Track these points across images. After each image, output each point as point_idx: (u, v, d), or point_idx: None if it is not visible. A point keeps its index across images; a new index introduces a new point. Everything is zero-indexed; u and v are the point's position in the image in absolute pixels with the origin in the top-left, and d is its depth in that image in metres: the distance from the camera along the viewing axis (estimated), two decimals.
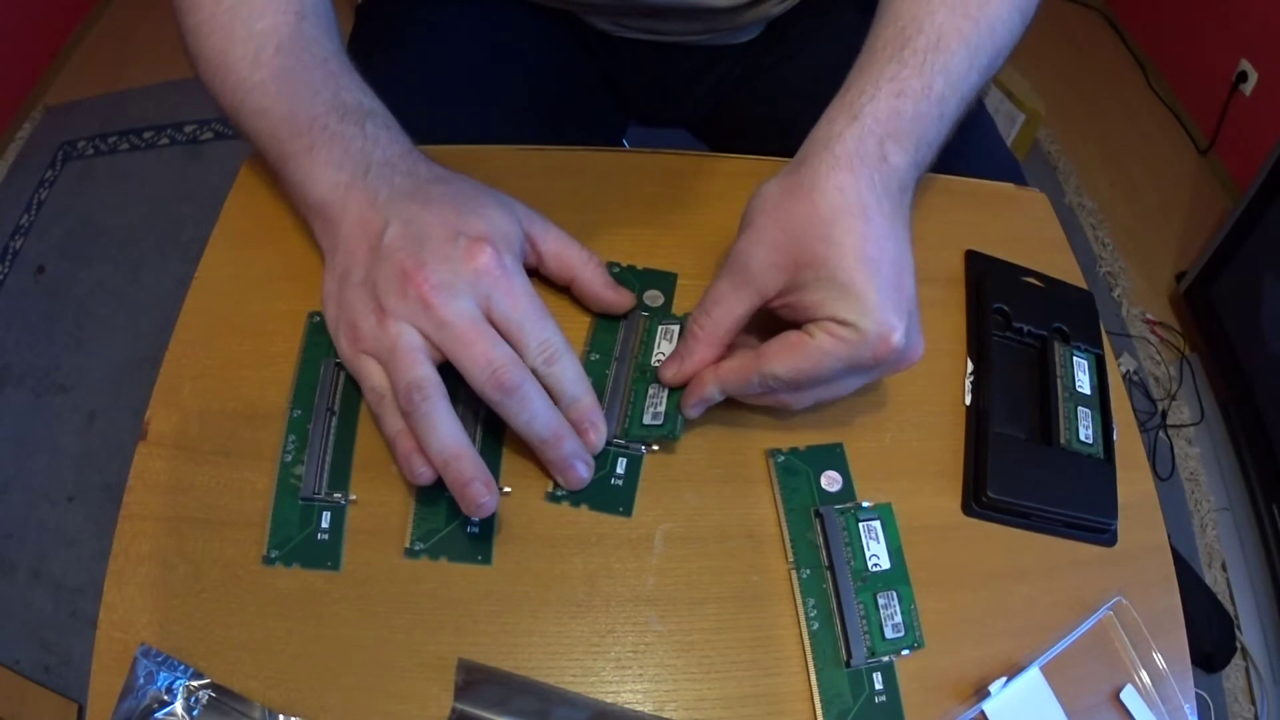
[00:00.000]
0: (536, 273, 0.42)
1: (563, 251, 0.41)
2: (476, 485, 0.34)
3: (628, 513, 0.38)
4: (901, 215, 0.38)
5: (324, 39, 0.42)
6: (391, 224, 0.36)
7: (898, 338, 0.35)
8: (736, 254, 0.38)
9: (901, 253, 0.37)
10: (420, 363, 0.34)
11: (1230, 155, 1.62)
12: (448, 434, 0.34)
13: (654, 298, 0.43)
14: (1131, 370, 1.40)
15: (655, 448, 0.39)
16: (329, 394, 0.39)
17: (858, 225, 0.35)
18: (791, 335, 0.36)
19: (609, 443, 0.38)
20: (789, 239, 0.36)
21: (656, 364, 0.40)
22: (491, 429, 0.38)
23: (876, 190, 0.36)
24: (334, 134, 0.38)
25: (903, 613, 0.36)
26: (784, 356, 0.36)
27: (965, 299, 0.46)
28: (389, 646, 0.34)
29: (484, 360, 0.34)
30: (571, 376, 0.36)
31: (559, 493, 0.38)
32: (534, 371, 0.35)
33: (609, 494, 0.38)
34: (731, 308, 0.37)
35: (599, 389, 0.40)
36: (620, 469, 0.39)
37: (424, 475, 0.34)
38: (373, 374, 0.36)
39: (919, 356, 0.37)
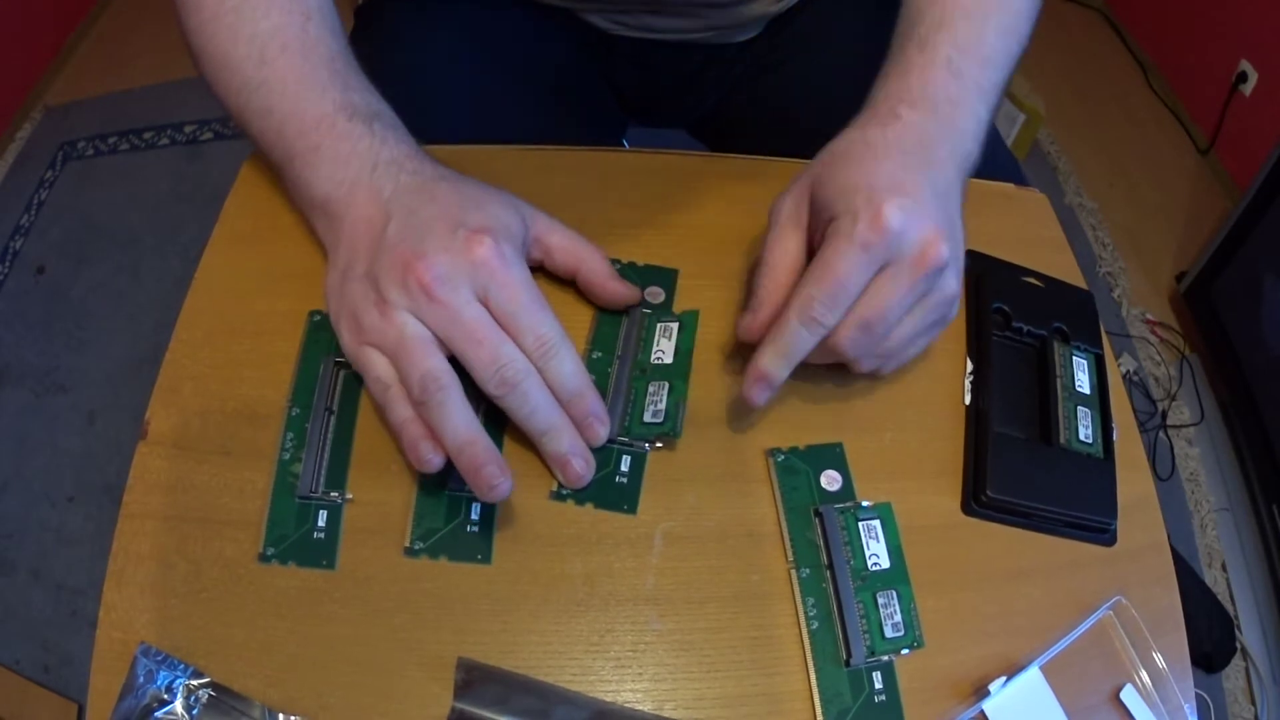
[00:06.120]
0: (542, 268, 0.42)
1: (569, 245, 0.41)
2: (491, 468, 0.34)
3: (633, 510, 0.38)
4: (922, 161, 0.38)
5: (330, 39, 0.42)
6: (394, 218, 0.36)
7: (889, 209, 0.35)
8: (771, 212, 0.41)
9: (910, 171, 0.37)
10: (431, 354, 0.35)
11: (1230, 155, 1.62)
12: (462, 421, 0.34)
13: (655, 294, 0.43)
14: (1131, 370, 1.40)
15: (659, 445, 0.39)
16: (328, 393, 0.39)
17: (864, 151, 0.39)
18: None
19: (612, 441, 0.38)
20: (809, 177, 0.40)
21: (656, 361, 0.40)
22: (490, 426, 0.38)
23: (889, 138, 0.39)
24: (341, 132, 0.38)
25: (902, 612, 0.36)
26: (807, 278, 0.36)
27: (965, 299, 0.46)
28: (389, 646, 0.34)
29: (489, 358, 0.34)
30: (569, 372, 0.36)
31: (564, 492, 0.38)
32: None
33: (614, 492, 0.38)
34: (784, 248, 0.39)
35: (601, 388, 0.40)
36: (624, 466, 0.39)
37: (433, 462, 0.34)
38: (376, 365, 0.36)
39: (941, 251, 0.36)
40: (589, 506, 0.38)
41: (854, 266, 0.35)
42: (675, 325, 0.42)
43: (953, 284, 0.38)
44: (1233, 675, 1.14)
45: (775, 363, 0.37)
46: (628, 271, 0.44)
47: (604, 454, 0.38)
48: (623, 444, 0.39)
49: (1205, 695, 1.09)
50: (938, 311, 0.38)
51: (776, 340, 0.37)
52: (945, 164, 0.39)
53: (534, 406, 0.35)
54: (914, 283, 0.36)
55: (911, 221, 0.35)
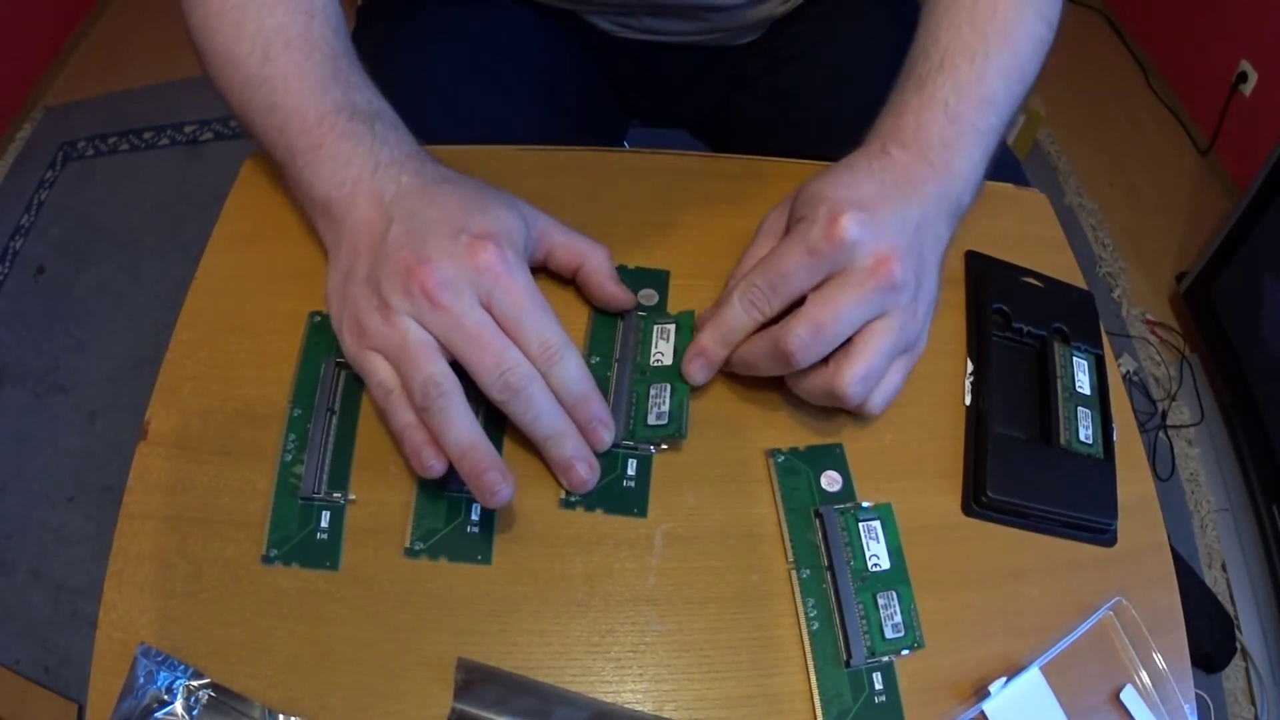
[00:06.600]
0: (544, 269, 0.42)
1: (571, 242, 0.41)
2: (493, 474, 0.34)
3: (642, 514, 0.38)
4: (900, 193, 0.39)
5: (333, 38, 0.42)
6: (396, 221, 0.36)
7: (846, 220, 0.36)
8: (759, 225, 0.43)
9: (883, 198, 0.38)
10: (434, 359, 0.35)
11: (1230, 155, 1.62)
12: (464, 427, 0.34)
13: (649, 296, 0.43)
14: (1131, 371, 1.40)
15: (664, 446, 0.39)
16: (329, 393, 0.39)
17: (845, 172, 0.40)
18: None
19: (618, 445, 0.38)
20: (794, 193, 0.41)
21: (655, 364, 0.40)
22: (491, 430, 0.38)
23: (873, 168, 0.40)
24: (343, 132, 0.38)
25: (902, 613, 0.36)
26: (754, 267, 0.38)
27: (965, 299, 0.46)
28: (389, 646, 0.34)
29: (493, 363, 0.34)
30: (574, 376, 0.36)
31: (573, 499, 0.38)
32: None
33: (622, 496, 0.38)
34: (757, 256, 0.40)
35: (602, 392, 0.39)
36: (631, 470, 0.39)
37: (435, 468, 0.34)
38: (379, 369, 0.36)
39: (895, 270, 0.36)
40: (599, 512, 0.38)
41: (799, 264, 0.37)
42: (672, 326, 0.42)
43: (910, 303, 0.37)
44: (1233, 675, 1.14)
45: (713, 340, 0.39)
46: (620, 274, 0.44)
47: (609, 458, 0.38)
48: (628, 448, 0.39)
49: (1205, 695, 1.09)
50: (903, 335, 0.37)
51: (716, 319, 0.39)
52: (927, 202, 0.39)
53: (538, 411, 0.35)
54: (867, 292, 0.36)
55: (867, 235, 0.36)
